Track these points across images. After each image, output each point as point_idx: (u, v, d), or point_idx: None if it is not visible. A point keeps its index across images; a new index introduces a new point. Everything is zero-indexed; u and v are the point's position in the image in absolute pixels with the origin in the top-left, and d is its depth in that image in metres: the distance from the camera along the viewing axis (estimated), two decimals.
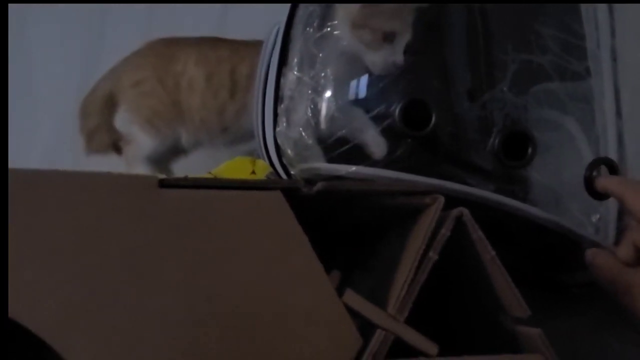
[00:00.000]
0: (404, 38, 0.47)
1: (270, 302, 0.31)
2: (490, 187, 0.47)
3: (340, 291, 0.32)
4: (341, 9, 0.48)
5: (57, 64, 0.80)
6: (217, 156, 0.64)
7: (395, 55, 0.47)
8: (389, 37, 0.47)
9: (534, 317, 0.37)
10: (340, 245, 0.51)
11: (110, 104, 0.64)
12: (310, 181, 0.50)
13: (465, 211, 0.33)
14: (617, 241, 0.52)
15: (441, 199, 0.33)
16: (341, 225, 0.46)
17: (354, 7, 0.47)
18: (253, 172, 0.52)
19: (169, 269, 0.29)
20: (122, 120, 0.63)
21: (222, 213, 0.30)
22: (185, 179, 0.29)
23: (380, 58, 0.47)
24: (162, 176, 0.29)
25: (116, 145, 0.64)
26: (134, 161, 0.63)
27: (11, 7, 0.66)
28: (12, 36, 0.68)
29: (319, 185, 0.33)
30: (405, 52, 0.47)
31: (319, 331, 0.31)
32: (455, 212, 0.33)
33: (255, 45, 0.57)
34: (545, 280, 0.57)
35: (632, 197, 0.41)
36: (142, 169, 0.62)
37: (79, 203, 0.29)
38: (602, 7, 0.55)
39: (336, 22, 0.48)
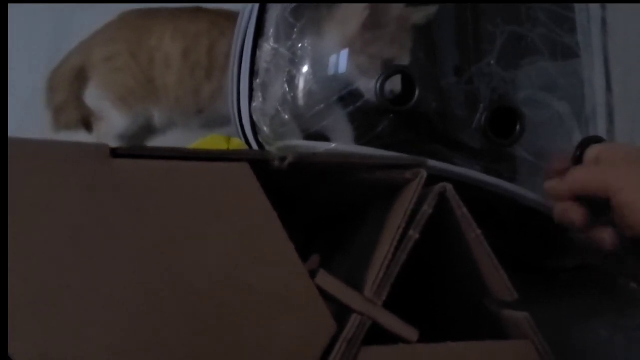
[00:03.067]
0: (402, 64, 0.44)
1: (237, 285, 0.28)
2: (476, 165, 0.45)
3: (315, 272, 0.30)
4: (334, 29, 0.44)
5: (25, 35, 0.76)
6: (192, 137, 0.62)
7: (393, 84, 0.43)
8: (387, 65, 0.43)
9: (520, 302, 0.35)
10: (322, 229, 0.49)
11: (80, 79, 0.60)
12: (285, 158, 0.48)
13: (449, 187, 0.31)
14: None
15: (423, 173, 0.31)
16: (320, 205, 0.43)
17: (350, 30, 0.43)
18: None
19: (122, 249, 0.26)
20: (93, 96, 0.60)
21: (183, 186, 0.27)
22: (141, 147, 0.26)
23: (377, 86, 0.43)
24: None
25: (86, 122, 0.61)
26: (105, 139, 0.59)
27: None
28: None
29: (291, 158, 0.30)
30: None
31: (290, 315, 0.28)
32: (438, 187, 0.31)
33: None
34: (533, 264, 0.56)
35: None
36: None
37: (21, 173, 0.26)
38: None
39: (327, 40, 0.44)
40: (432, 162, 0.42)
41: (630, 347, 0.52)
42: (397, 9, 0.44)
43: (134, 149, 0.26)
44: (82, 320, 0.26)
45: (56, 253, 0.26)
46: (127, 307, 0.27)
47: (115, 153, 0.26)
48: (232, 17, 0.56)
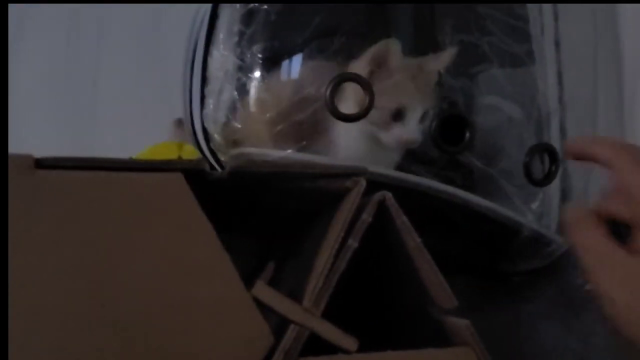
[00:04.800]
0: (417, 111, 0.44)
1: (170, 297, 0.27)
2: (428, 172, 0.45)
3: (251, 282, 0.30)
4: (349, 88, 0.43)
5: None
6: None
7: (408, 132, 0.44)
8: (398, 115, 0.43)
9: (474, 307, 0.35)
10: (280, 236, 0.48)
11: None
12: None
13: (388, 195, 0.31)
14: (559, 229, 0.51)
15: (362, 182, 0.31)
16: (272, 213, 0.43)
17: (358, 89, 0.42)
18: (179, 158, 0.49)
19: (47, 263, 0.26)
20: None
21: (112, 197, 0.27)
22: (66, 158, 0.26)
23: (393, 137, 0.44)
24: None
25: None
26: None
27: None
28: None
29: (229, 167, 0.30)
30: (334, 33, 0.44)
31: (226, 328, 0.28)
32: (377, 196, 0.31)
33: None
34: (486, 269, 0.56)
35: (599, 149, 0.34)
36: None
37: None
38: None
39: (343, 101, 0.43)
40: (382, 170, 0.42)
41: (585, 352, 0.53)
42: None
43: (59, 160, 0.26)
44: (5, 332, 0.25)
45: None
46: (54, 318, 0.26)
47: (39, 163, 0.25)
48: None
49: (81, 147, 0.78)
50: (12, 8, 0.75)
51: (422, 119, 0.44)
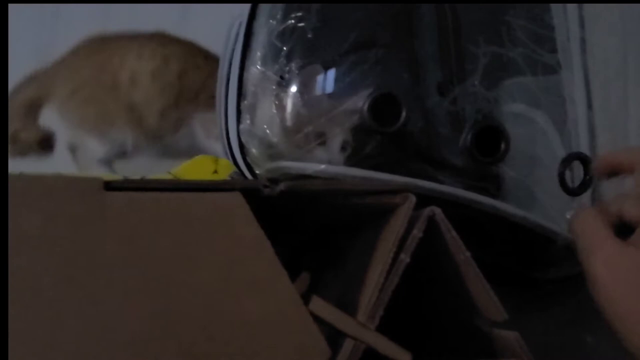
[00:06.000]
0: (337, 139, 0.44)
1: (231, 313, 0.28)
2: (462, 184, 0.46)
3: (307, 297, 0.30)
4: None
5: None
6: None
7: (330, 155, 0.44)
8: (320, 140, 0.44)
9: (509, 313, 0.36)
10: (310, 244, 0.49)
11: (34, 109, 0.60)
12: (276, 180, 0.48)
13: (438, 210, 0.32)
14: None
15: (412, 198, 0.31)
16: (310, 224, 0.44)
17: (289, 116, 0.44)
18: (215, 172, 0.50)
19: (116, 281, 0.26)
20: (68, 131, 0.60)
21: (175, 217, 0.27)
22: (133, 180, 0.27)
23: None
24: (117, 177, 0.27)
25: (44, 144, 0.61)
26: (85, 167, 0.60)
27: None
28: None
29: (282, 186, 0.30)
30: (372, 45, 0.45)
31: (284, 342, 0.29)
32: (427, 211, 0.31)
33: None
34: (519, 276, 0.56)
35: (626, 155, 0.37)
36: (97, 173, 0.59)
37: (17, 207, 0.26)
38: None
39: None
40: (419, 182, 0.43)
41: (617, 354, 0.53)
42: None
43: (127, 182, 0.26)
44: (76, 353, 0.26)
45: (50, 286, 0.26)
46: (122, 337, 0.27)
47: (108, 186, 0.26)
48: (200, 51, 0.56)
49: None
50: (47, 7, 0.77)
51: None
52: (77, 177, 0.27)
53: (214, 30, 0.57)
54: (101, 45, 0.60)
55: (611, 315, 0.32)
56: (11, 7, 0.75)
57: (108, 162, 0.60)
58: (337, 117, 0.44)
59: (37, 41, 0.76)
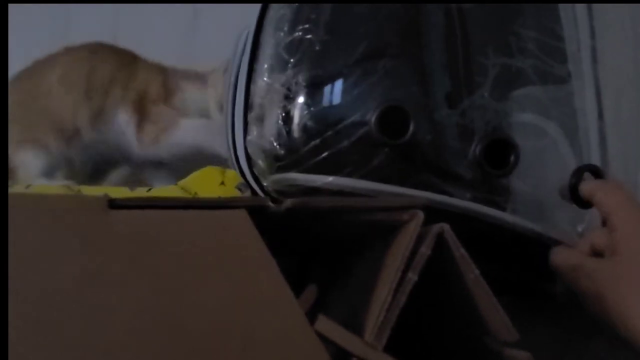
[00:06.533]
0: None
1: (235, 332, 0.28)
2: (471, 196, 0.45)
3: (313, 316, 0.30)
4: None
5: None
6: None
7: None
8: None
9: (519, 329, 0.35)
10: (316, 258, 0.48)
11: None
12: (282, 193, 0.47)
13: (446, 227, 0.31)
14: None
15: (420, 215, 0.31)
16: (316, 239, 0.43)
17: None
18: (222, 183, 0.50)
19: (121, 299, 0.26)
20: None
21: (180, 235, 0.27)
22: (139, 198, 0.26)
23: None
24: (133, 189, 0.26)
25: None
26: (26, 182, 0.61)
27: None
28: None
29: (288, 203, 0.30)
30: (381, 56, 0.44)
31: None
32: (436, 228, 0.31)
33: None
34: (529, 288, 0.56)
35: (601, 196, 0.43)
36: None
37: (21, 226, 0.26)
38: (581, 7, 0.53)
39: None
40: (428, 195, 0.43)
41: None
42: None
43: (131, 200, 0.26)
44: None
45: (55, 305, 0.26)
46: (126, 357, 0.26)
47: (113, 204, 0.26)
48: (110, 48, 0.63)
49: None
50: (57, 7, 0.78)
51: None
52: (81, 195, 0.26)
53: (225, 30, 0.58)
54: (31, 70, 0.65)
55: (610, 321, 0.38)
56: (20, 7, 0.76)
57: (51, 174, 0.62)
58: (344, 130, 0.44)
59: (49, 44, 0.77)
